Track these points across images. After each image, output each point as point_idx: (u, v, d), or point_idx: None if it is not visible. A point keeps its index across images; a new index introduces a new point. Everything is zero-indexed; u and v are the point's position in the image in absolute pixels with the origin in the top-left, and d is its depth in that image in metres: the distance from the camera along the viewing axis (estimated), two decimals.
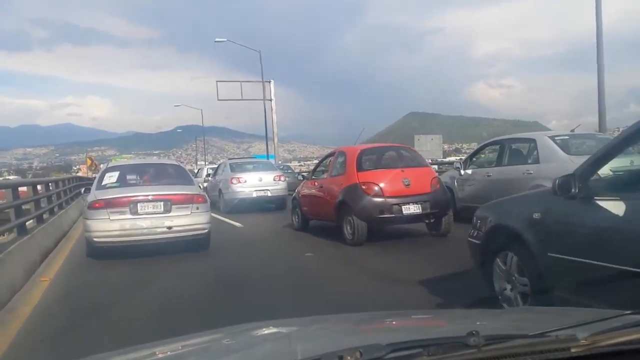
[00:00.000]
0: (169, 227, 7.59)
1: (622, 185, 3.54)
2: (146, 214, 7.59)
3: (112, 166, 9.14)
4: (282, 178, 16.47)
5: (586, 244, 3.25)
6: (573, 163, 8.01)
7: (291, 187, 18.16)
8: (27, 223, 8.00)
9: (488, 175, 9.55)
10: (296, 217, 10.52)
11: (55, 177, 15.87)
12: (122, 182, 8.32)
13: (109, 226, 7.44)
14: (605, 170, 3.62)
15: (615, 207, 3.05)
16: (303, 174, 11.98)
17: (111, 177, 8.33)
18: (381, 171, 8.42)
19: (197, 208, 7.86)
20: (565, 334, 1.26)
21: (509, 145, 9.60)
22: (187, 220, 7.73)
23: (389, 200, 7.97)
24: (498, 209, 4.36)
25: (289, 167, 28.78)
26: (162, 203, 7.66)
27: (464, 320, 1.97)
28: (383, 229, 8.86)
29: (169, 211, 7.65)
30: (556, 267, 3.44)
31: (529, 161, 8.73)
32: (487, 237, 4.18)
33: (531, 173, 8.37)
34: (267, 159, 31.04)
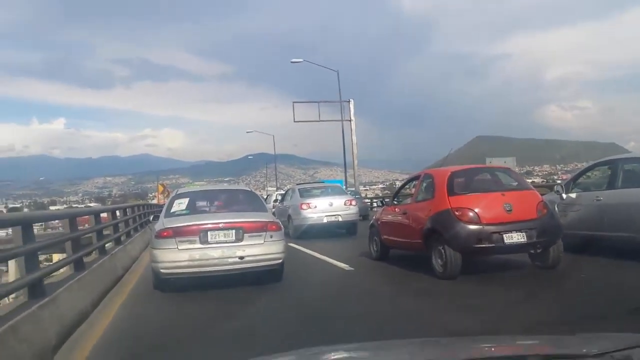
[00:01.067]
0: (241, 257, 7.06)
1: None
2: (217, 242, 7.06)
3: (182, 192, 8.56)
4: (353, 202, 16.00)
5: None
6: None
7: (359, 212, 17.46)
8: (55, 273, 6.24)
9: (597, 200, 8.33)
10: (374, 245, 9.73)
11: (108, 207, 13.37)
12: (191, 209, 7.88)
13: (177, 256, 6.94)
14: None
15: None
16: (384, 199, 11.14)
17: (180, 204, 7.89)
18: (477, 195, 7.42)
19: (271, 236, 7.29)
20: (622, 354, 1.53)
21: (623, 166, 8.35)
22: (260, 250, 7.18)
23: (488, 227, 6.95)
24: None
25: (356, 192, 27.90)
26: (233, 231, 7.15)
27: (523, 343, 2.20)
28: (476, 260, 7.85)
29: (241, 240, 7.13)
30: None
31: None
32: None
33: None
34: (346, 183, 30.16)
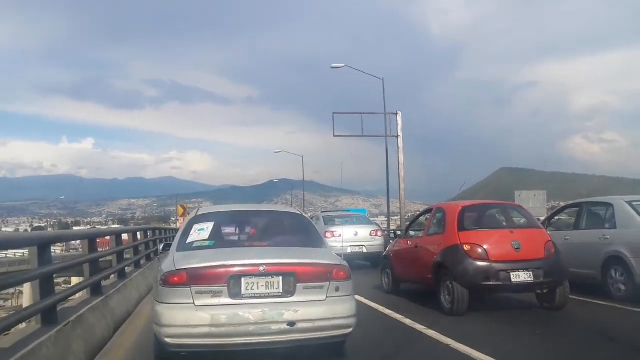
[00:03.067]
0: (291, 323, 4.43)
1: None
2: (255, 296, 4.51)
3: (204, 213, 5.75)
4: (379, 233, 15.59)
5: None
6: None
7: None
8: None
9: (565, 239, 8.96)
10: (386, 277, 9.83)
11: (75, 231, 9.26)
12: (217, 240, 5.29)
13: (193, 317, 4.37)
14: None
15: None
16: (397, 231, 11.26)
17: (201, 232, 5.29)
18: (486, 231, 7.52)
19: (337, 289, 4.69)
20: None
21: (587, 209, 9.20)
22: (322, 311, 4.57)
23: (496, 265, 7.02)
24: None
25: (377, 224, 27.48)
26: (280, 279, 4.57)
27: None
28: (483, 298, 7.88)
29: (292, 293, 4.56)
30: None
31: (607, 226, 8.45)
32: None
33: (607, 238, 8.13)
34: (388, 213, 29.05)
